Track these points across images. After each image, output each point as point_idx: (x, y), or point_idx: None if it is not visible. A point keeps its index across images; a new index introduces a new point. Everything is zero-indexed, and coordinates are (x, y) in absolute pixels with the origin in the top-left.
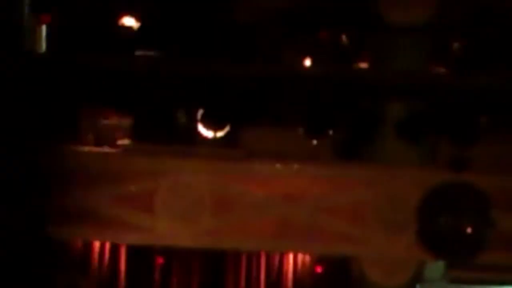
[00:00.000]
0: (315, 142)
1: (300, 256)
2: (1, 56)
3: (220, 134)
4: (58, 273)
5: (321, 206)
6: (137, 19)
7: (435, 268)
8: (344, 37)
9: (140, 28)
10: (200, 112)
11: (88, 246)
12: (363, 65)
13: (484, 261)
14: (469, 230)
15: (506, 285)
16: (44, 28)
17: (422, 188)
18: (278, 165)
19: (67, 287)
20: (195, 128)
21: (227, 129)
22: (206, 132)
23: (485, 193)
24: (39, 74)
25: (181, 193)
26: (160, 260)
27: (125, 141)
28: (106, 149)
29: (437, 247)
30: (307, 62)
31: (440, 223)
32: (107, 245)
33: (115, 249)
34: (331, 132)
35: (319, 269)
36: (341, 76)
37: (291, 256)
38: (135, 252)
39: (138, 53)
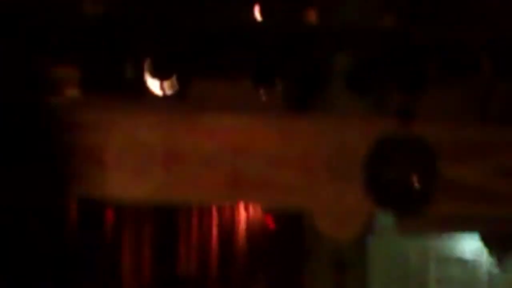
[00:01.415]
0: (263, 93)
1: (252, 212)
2: None
3: (169, 91)
4: None
5: (271, 159)
6: None
7: (388, 218)
8: None
9: None
10: (146, 64)
11: None
12: (311, 13)
13: (433, 211)
14: (414, 182)
15: (457, 233)
16: None
17: (372, 138)
18: (227, 117)
19: None
20: (144, 83)
21: (175, 84)
22: (154, 88)
23: (431, 143)
24: None
25: (131, 146)
26: (110, 215)
27: (74, 93)
28: (54, 100)
29: (383, 199)
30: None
31: (385, 175)
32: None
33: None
34: (279, 83)
35: (272, 225)
36: (288, 26)
37: (243, 213)
38: (84, 207)
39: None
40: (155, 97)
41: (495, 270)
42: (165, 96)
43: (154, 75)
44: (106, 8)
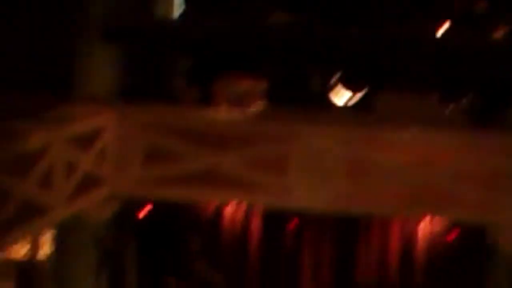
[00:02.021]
0: (449, 108)
1: (432, 225)
2: (133, 23)
3: (351, 101)
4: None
5: (456, 173)
6: None
7: None
8: (481, 3)
9: None
10: (335, 77)
11: (220, 210)
12: (499, 32)
13: None
14: None
15: None
16: None
17: None
18: (411, 131)
19: (199, 251)
20: (328, 94)
21: (360, 95)
22: (337, 99)
23: None
24: (172, 39)
25: (314, 157)
26: (292, 226)
27: (259, 105)
28: (239, 113)
29: None
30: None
31: None
32: (239, 210)
33: (247, 213)
34: (465, 99)
35: (451, 238)
36: (476, 44)
37: (423, 225)
38: (266, 218)
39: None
40: (338, 108)
41: None
42: (348, 108)
43: (347, 87)
44: (293, 19)
